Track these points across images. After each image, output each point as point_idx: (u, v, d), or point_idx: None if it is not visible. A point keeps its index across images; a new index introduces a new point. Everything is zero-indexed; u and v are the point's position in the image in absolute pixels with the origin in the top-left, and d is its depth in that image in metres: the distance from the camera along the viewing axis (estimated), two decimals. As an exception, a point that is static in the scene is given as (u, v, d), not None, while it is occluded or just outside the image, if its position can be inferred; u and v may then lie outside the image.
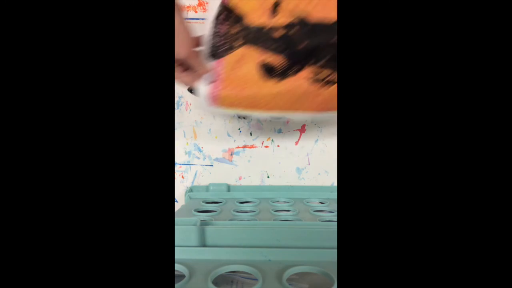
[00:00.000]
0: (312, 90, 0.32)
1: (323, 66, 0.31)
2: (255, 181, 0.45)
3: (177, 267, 0.22)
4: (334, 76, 0.31)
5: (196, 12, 0.42)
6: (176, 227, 0.24)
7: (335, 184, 0.44)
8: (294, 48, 0.31)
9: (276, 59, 0.31)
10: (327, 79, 0.31)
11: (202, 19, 0.41)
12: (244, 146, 0.44)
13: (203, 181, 0.45)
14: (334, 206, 0.37)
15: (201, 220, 0.25)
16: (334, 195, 0.41)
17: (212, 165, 0.45)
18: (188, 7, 0.42)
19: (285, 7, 0.30)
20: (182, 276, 0.21)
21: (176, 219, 0.25)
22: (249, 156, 0.44)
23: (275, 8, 0.30)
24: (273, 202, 0.39)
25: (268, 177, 0.44)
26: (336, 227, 0.23)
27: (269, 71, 0.31)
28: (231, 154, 0.44)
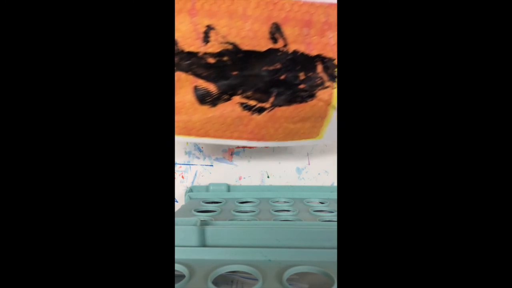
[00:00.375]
0: (244, 116, 0.33)
1: (253, 94, 0.32)
2: (255, 181, 0.45)
3: (177, 267, 0.22)
4: (264, 104, 0.33)
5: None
6: (176, 227, 0.24)
7: (335, 184, 0.44)
8: (226, 75, 0.32)
9: (208, 86, 0.32)
10: (257, 106, 0.33)
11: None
12: (244, 146, 0.44)
13: (203, 181, 0.45)
14: (334, 206, 0.37)
15: (201, 220, 0.25)
16: (334, 195, 0.41)
17: (212, 165, 0.45)
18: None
19: (217, 35, 0.30)
20: (182, 276, 0.21)
21: (176, 219, 0.25)
22: (249, 156, 0.44)
23: (207, 35, 0.30)
24: (273, 202, 0.39)
25: (268, 177, 0.44)
26: (336, 227, 0.23)
27: (202, 97, 0.32)
28: (231, 154, 0.44)
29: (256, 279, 0.21)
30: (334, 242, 0.24)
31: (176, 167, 0.45)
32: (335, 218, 0.32)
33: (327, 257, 0.23)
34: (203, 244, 0.25)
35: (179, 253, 0.23)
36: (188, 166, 0.45)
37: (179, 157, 0.45)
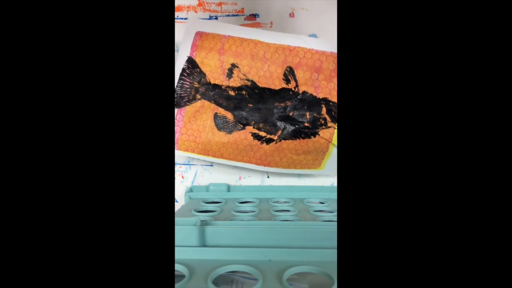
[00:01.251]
0: (254, 144, 0.39)
1: (264, 125, 0.39)
2: (255, 181, 0.45)
3: (177, 267, 0.22)
4: (272, 136, 0.39)
5: (196, 12, 0.42)
6: (176, 227, 0.24)
7: (335, 184, 0.44)
8: (242, 107, 0.38)
9: (227, 114, 0.38)
10: (266, 137, 0.39)
11: (203, 19, 0.41)
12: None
13: (203, 181, 0.45)
14: (334, 206, 0.37)
15: (201, 220, 0.25)
16: (334, 195, 0.41)
17: (212, 165, 0.45)
18: (188, 7, 0.42)
19: (239, 72, 0.37)
20: (182, 276, 0.21)
21: (176, 219, 0.25)
22: (249, 156, 0.44)
23: (231, 72, 0.37)
24: (273, 202, 0.39)
25: (268, 177, 0.44)
26: (336, 227, 0.23)
27: (220, 125, 0.39)
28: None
29: (256, 279, 0.21)
30: (334, 242, 0.24)
31: (176, 167, 0.45)
32: (335, 218, 0.32)
33: (327, 257, 0.23)
34: (203, 244, 0.25)
35: (179, 253, 0.23)
36: (188, 166, 0.45)
37: (179, 157, 0.45)
